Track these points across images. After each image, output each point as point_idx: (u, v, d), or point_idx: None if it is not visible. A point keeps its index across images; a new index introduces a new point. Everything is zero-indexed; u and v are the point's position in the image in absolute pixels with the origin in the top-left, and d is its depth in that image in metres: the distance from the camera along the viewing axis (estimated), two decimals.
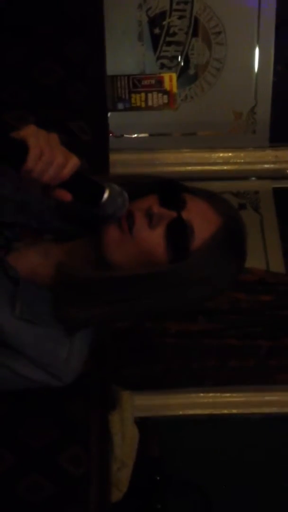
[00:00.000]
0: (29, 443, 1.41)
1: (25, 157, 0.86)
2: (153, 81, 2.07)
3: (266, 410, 2.03)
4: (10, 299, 1.00)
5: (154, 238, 0.97)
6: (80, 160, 0.91)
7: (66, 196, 0.91)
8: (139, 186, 1.02)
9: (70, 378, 1.03)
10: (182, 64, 2.23)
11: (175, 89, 2.08)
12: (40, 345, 1.00)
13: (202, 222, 0.99)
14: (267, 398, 2.03)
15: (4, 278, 1.02)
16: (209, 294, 1.06)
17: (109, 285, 0.99)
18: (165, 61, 2.23)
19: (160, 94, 2.07)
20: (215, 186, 2.24)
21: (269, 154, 2.31)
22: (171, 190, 1.01)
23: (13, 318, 1.00)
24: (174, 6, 2.18)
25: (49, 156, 0.87)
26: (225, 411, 2.03)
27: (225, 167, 2.30)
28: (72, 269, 1.01)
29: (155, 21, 2.19)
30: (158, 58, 2.22)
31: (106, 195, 0.94)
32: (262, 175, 2.32)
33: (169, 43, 2.21)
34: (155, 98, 2.08)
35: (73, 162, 0.90)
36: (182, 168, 2.29)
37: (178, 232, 0.97)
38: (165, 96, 2.07)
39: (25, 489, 1.37)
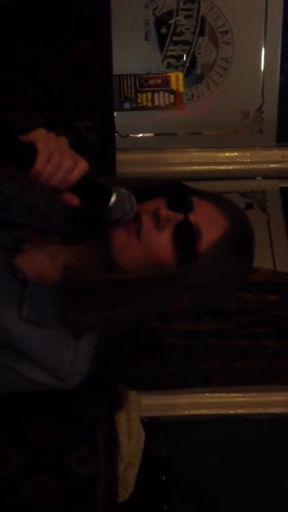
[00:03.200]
0: (36, 443, 1.41)
1: (33, 160, 0.87)
2: (159, 81, 2.06)
3: (272, 410, 2.03)
4: (17, 301, 1.01)
5: (162, 241, 0.97)
6: (89, 164, 0.91)
7: (73, 200, 0.91)
8: (146, 188, 1.02)
9: (75, 380, 1.03)
10: (189, 63, 2.23)
11: (181, 89, 2.07)
12: (46, 347, 1.01)
13: (210, 224, 0.99)
14: (273, 398, 2.03)
15: (11, 280, 1.02)
16: (217, 296, 1.06)
17: (116, 288, 0.99)
18: (171, 61, 2.23)
19: (166, 94, 2.06)
20: (222, 186, 2.23)
21: (276, 153, 2.30)
22: (179, 192, 1.01)
23: (20, 321, 1.00)
24: (181, 5, 2.18)
25: (57, 160, 0.87)
26: (231, 411, 2.03)
27: (231, 167, 2.29)
28: (79, 272, 1.01)
29: (162, 20, 2.19)
30: (165, 57, 2.22)
31: (113, 199, 0.94)
32: (269, 175, 2.31)
33: (175, 43, 2.21)
34: (162, 98, 2.07)
35: (82, 166, 0.90)
36: (188, 168, 2.29)
37: (185, 235, 0.97)
38: (172, 96, 2.06)
39: (33, 489, 1.38)
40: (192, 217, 0.98)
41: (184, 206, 0.98)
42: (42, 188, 0.90)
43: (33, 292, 1.01)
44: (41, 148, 0.87)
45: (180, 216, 0.97)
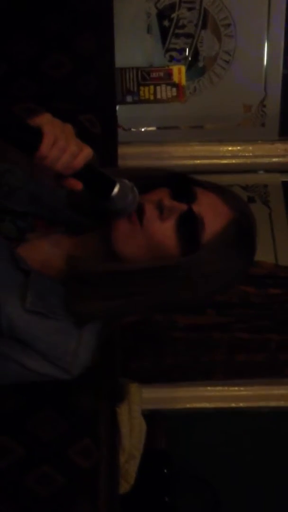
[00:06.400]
0: (38, 435, 1.42)
1: (39, 143, 0.87)
2: (162, 74, 2.06)
3: (274, 404, 2.03)
4: (20, 291, 1.00)
5: (165, 231, 0.97)
6: (93, 152, 0.91)
7: (77, 185, 0.92)
8: (149, 179, 1.02)
9: (78, 371, 1.03)
10: (191, 56, 2.22)
11: (184, 82, 2.07)
12: (50, 338, 1.01)
13: (213, 215, 0.99)
14: (275, 392, 2.03)
15: (15, 270, 1.02)
16: (219, 288, 1.06)
17: (119, 278, 0.99)
18: (174, 54, 2.22)
19: (169, 87, 2.06)
20: (224, 180, 2.23)
21: (279, 147, 2.29)
22: (182, 183, 1.01)
23: (23, 311, 1.00)
24: None
25: (63, 144, 0.88)
26: (233, 405, 2.03)
27: (233, 161, 2.29)
28: (82, 262, 1.01)
29: (164, 13, 2.18)
30: (167, 50, 2.21)
31: (116, 189, 0.94)
32: (271, 169, 2.31)
33: (178, 36, 2.20)
34: (164, 91, 2.07)
35: (86, 152, 0.90)
36: (191, 161, 2.28)
37: (189, 225, 0.97)
38: (174, 89, 2.06)
39: (35, 481, 1.38)
40: (195, 208, 0.98)
41: (187, 196, 0.98)
42: (46, 173, 0.90)
43: (37, 282, 1.01)
44: (47, 131, 0.87)
45: (184, 207, 0.97)
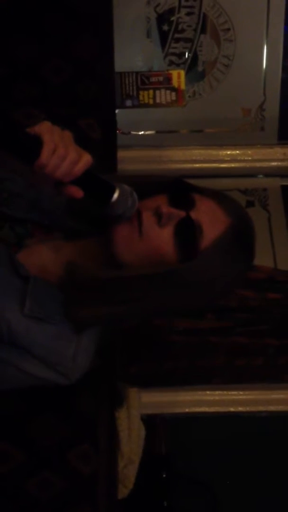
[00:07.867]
0: (38, 440, 1.42)
1: (39, 151, 0.88)
2: (161, 78, 2.06)
3: (273, 408, 2.03)
4: (19, 297, 1.01)
5: (163, 237, 0.98)
6: (92, 159, 0.92)
7: (77, 192, 0.92)
8: (148, 186, 1.03)
9: (76, 376, 1.03)
10: (190, 61, 2.22)
11: (183, 86, 2.07)
12: (48, 343, 1.01)
13: (211, 221, 0.99)
14: (274, 396, 2.03)
15: (14, 276, 1.02)
16: (218, 294, 1.07)
17: (118, 284, 0.99)
18: (173, 58, 2.23)
19: (168, 91, 2.06)
20: (223, 184, 2.24)
21: (278, 151, 2.30)
22: (180, 189, 1.01)
23: (22, 317, 1.00)
24: (183, 3, 2.18)
25: (62, 152, 0.88)
26: (232, 409, 2.03)
27: (233, 165, 2.29)
28: (81, 268, 1.01)
29: (164, 17, 2.19)
30: (167, 55, 2.22)
31: (116, 195, 0.95)
32: (270, 173, 2.32)
33: (177, 40, 2.21)
34: (163, 95, 2.07)
35: (86, 159, 0.91)
36: (190, 165, 2.29)
37: (187, 232, 0.98)
38: (173, 93, 2.06)
39: (34, 486, 1.38)
40: (193, 214, 0.98)
41: (185, 203, 0.99)
42: (46, 181, 0.91)
43: (35, 288, 1.01)
44: (47, 140, 0.88)
45: (182, 213, 0.98)
